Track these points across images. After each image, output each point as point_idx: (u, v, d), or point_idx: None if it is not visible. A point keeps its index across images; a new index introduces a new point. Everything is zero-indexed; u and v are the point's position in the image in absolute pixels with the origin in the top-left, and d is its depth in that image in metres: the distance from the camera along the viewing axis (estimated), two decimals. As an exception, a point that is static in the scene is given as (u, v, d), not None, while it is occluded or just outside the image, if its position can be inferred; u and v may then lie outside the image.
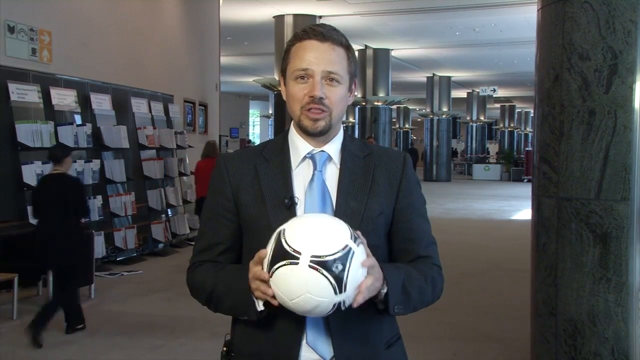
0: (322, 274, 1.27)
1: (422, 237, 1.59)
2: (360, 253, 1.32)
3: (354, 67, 1.55)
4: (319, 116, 1.49)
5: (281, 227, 1.35)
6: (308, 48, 1.49)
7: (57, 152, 5.49)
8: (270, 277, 1.32)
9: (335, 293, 1.29)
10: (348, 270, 1.29)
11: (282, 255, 1.30)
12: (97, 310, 6.06)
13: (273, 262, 1.31)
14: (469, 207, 16.14)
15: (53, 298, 5.35)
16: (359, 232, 1.37)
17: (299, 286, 1.29)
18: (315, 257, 1.28)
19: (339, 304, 1.31)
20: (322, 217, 1.39)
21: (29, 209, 6.81)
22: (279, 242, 1.32)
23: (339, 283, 1.28)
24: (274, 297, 1.35)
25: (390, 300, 1.42)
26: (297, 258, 1.28)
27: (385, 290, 1.41)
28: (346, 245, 1.30)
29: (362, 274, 1.33)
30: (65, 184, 5.32)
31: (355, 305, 1.33)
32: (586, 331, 2.88)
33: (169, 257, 9.00)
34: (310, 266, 1.27)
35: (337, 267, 1.28)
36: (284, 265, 1.29)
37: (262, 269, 1.35)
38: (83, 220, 5.47)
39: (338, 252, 1.29)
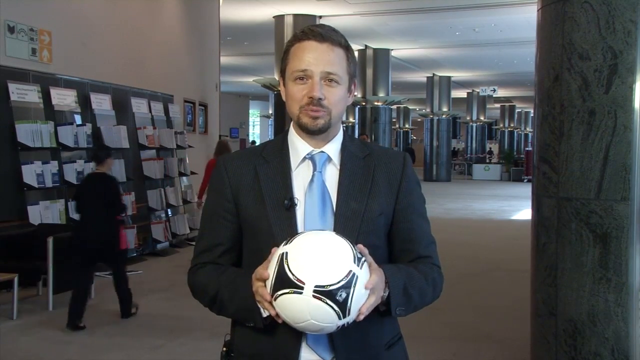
0: (327, 303, 1.27)
1: (422, 238, 1.59)
2: (363, 275, 1.32)
3: (353, 67, 1.54)
4: (319, 114, 1.49)
5: (284, 249, 1.33)
6: (307, 49, 1.49)
7: (99, 153, 5.97)
8: (274, 300, 1.32)
9: (340, 318, 1.29)
10: (352, 296, 1.29)
11: (286, 283, 1.29)
12: (97, 310, 6.06)
13: (276, 287, 1.31)
14: (469, 207, 16.14)
15: (118, 282, 5.83)
16: (360, 246, 1.37)
17: (302, 314, 1.29)
18: (319, 287, 1.27)
19: (344, 325, 1.33)
20: (325, 239, 1.35)
21: (29, 209, 6.85)
22: (281, 267, 1.30)
23: (343, 309, 1.29)
24: (277, 315, 1.36)
25: (392, 302, 1.43)
26: (301, 288, 1.27)
27: (387, 294, 1.42)
28: (350, 272, 1.29)
29: (365, 295, 1.33)
30: (106, 183, 5.80)
31: (357, 320, 1.34)
32: (586, 331, 2.88)
33: (169, 257, 9.00)
34: (314, 296, 1.27)
35: (340, 296, 1.28)
36: (288, 293, 1.29)
37: (265, 286, 1.35)
38: (121, 216, 6.05)
39: (342, 280, 1.28)
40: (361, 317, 1.34)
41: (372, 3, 14.42)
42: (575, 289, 2.90)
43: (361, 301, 1.31)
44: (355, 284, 1.29)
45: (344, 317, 1.29)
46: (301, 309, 1.28)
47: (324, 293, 1.26)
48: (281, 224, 1.47)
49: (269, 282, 1.32)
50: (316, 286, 1.27)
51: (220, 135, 12.59)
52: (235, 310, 1.49)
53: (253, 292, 1.39)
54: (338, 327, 1.32)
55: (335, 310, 1.28)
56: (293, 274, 1.28)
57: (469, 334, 5.42)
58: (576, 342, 2.91)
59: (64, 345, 5.03)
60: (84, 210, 5.76)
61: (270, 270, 1.33)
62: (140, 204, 8.81)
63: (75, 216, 7.40)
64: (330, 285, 1.27)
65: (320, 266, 1.29)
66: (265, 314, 1.41)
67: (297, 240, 1.34)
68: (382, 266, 1.42)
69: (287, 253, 1.31)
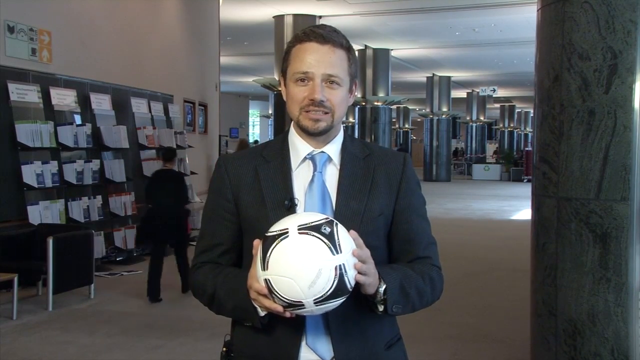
0: (314, 235, 1.30)
1: (422, 238, 1.58)
2: (341, 226, 1.35)
3: (354, 68, 1.55)
4: (320, 117, 1.49)
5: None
6: (308, 50, 1.49)
7: (168, 153, 6.97)
8: (267, 268, 1.31)
9: (332, 253, 1.30)
10: (337, 232, 1.32)
11: (271, 241, 1.32)
12: (97, 310, 6.06)
13: (265, 252, 1.32)
14: (468, 207, 16.14)
15: (181, 261, 6.78)
16: (353, 232, 1.39)
17: (295, 255, 1.29)
18: (302, 225, 1.32)
19: (341, 270, 1.30)
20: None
21: (29, 209, 6.85)
22: (264, 237, 1.35)
23: (332, 242, 1.30)
24: (272, 293, 1.33)
25: (388, 299, 1.42)
26: (286, 232, 1.31)
27: (382, 289, 1.42)
28: (326, 217, 1.35)
29: (350, 239, 1.34)
30: (174, 177, 6.83)
31: (357, 268, 1.32)
32: (586, 331, 2.88)
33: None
34: (299, 233, 1.30)
35: (325, 229, 1.31)
36: (276, 245, 1.31)
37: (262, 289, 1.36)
38: (186, 205, 6.99)
39: (321, 220, 1.33)
40: (358, 267, 1.32)
41: (372, 3, 14.42)
42: (575, 289, 2.90)
43: (348, 242, 1.33)
44: (336, 225, 1.33)
45: (337, 252, 1.30)
46: (293, 251, 1.30)
47: (307, 228, 1.31)
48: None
49: (259, 260, 1.34)
50: (299, 225, 1.32)
51: (220, 136, 12.60)
52: (232, 308, 1.49)
53: (248, 291, 1.39)
54: (337, 270, 1.29)
55: (324, 243, 1.29)
56: (274, 231, 1.33)
57: (469, 334, 5.42)
58: (576, 342, 2.91)
59: (63, 345, 5.03)
60: (156, 200, 6.60)
61: (258, 255, 1.34)
62: (140, 204, 8.81)
63: (74, 216, 7.45)
64: (311, 223, 1.32)
65: (297, 217, 1.35)
66: (262, 313, 1.41)
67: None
68: (377, 267, 1.41)
69: (267, 231, 1.36)
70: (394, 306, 1.44)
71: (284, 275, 1.30)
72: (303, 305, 1.31)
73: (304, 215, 1.36)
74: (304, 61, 1.48)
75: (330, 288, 1.30)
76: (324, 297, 1.30)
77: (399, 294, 1.45)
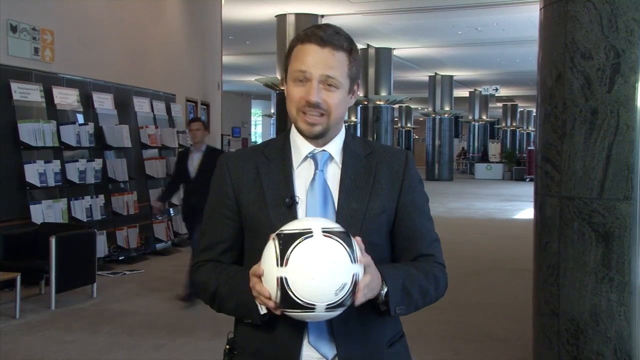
0: (336, 240, 1.29)
1: (425, 235, 1.58)
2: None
3: (355, 70, 1.53)
4: (316, 121, 1.49)
5: (274, 234, 1.34)
6: (308, 52, 1.48)
7: None
8: (286, 264, 1.28)
9: (351, 261, 1.29)
10: (353, 244, 1.32)
11: (292, 238, 1.29)
12: (99, 309, 6.07)
13: (284, 249, 1.29)
14: (471, 207, 16.13)
15: None
16: (358, 239, 1.38)
17: (320, 256, 1.27)
18: (326, 228, 1.31)
19: (356, 278, 1.29)
20: (321, 251, 1.37)
21: (31, 208, 6.87)
22: (280, 234, 1.32)
23: (351, 251, 1.30)
24: (269, 298, 1.32)
25: (390, 301, 1.42)
26: (310, 232, 1.29)
27: (385, 292, 1.42)
28: (344, 229, 1.34)
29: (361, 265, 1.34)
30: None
31: (356, 302, 1.32)
32: (588, 330, 2.87)
33: (170, 256, 9.00)
34: (324, 235, 1.29)
35: (344, 239, 1.31)
36: (300, 242, 1.28)
37: (261, 282, 1.34)
38: None
39: (340, 228, 1.33)
40: (360, 296, 1.32)
41: (374, 2, 14.41)
42: (578, 288, 2.90)
43: (360, 255, 1.33)
44: (352, 239, 1.33)
45: (354, 261, 1.29)
46: (318, 250, 1.28)
47: (331, 232, 1.31)
48: (282, 222, 1.47)
49: (274, 257, 1.30)
50: (323, 228, 1.31)
51: (222, 135, 12.60)
52: (233, 306, 1.49)
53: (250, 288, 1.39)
54: (353, 279, 1.28)
55: (345, 249, 1.28)
56: (297, 229, 1.30)
57: (470, 333, 5.42)
58: (578, 341, 2.91)
59: (66, 345, 5.03)
60: None
61: (272, 248, 1.31)
62: (142, 203, 8.82)
63: (77, 215, 7.47)
64: (334, 228, 1.32)
65: (317, 220, 1.35)
66: (262, 310, 1.41)
67: (294, 262, 1.29)
68: (380, 267, 1.41)
69: (281, 228, 1.33)
70: (397, 308, 1.44)
71: (307, 276, 1.27)
72: (314, 308, 1.28)
73: (323, 220, 1.35)
74: (302, 62, 1.48)
75: (345, 295, 1.29)
76: (336, 303, 1.29)
77: (401, 295, 1.44)
